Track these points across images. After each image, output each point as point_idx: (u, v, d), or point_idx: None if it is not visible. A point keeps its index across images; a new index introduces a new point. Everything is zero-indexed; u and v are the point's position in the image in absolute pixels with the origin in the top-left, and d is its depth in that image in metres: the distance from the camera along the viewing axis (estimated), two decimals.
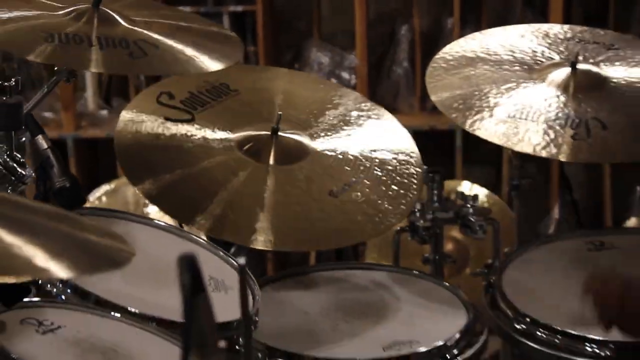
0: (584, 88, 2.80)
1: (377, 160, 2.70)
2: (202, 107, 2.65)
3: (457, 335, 2.55)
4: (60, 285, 2.31)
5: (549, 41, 3.00)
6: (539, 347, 2.56)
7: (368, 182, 2.60)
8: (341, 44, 4.92)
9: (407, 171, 2.69)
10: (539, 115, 2.73)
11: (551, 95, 2.79)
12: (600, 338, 2.49)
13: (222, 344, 1.38)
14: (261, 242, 2.34)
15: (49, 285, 2.34)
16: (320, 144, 2.68)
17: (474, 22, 4.91)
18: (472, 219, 2.94)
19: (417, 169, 2.70)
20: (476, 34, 3.15)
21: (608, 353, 2.50)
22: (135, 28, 2.51)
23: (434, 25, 4.96)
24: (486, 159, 4.74)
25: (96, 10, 2.48)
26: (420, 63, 4.75)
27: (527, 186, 3.23)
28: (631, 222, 4.53)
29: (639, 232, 3.30)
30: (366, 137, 2.76)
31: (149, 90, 2.72)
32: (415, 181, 2.67)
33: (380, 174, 2.65)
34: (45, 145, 2.49)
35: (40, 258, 1.41)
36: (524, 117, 2.72)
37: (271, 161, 2.57)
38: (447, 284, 2.84)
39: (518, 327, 2.60)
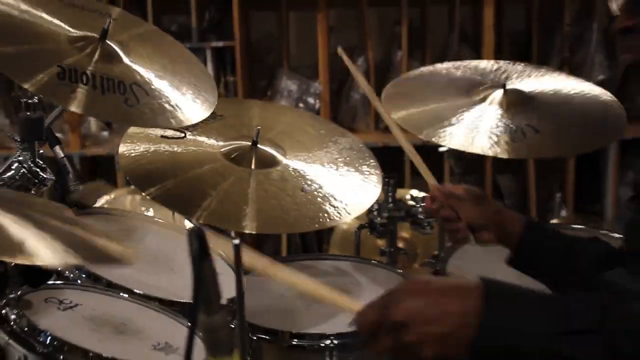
0: (515, 103, 2.83)
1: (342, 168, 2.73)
2: (193, 128, 2.64)
3: None
4: (77, 271, 2.33)
5: (480, 72, 3.03)
6: None
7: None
8: (307, 74, 4.91)
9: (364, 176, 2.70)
10: (484, 126, 2.77)
11: (491, 110, 2.82)
12: None
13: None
14: (249, 227, 2.33)
15: (66, 271, 2.35)
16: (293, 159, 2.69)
17: (419, 55, 4.95)
18: (421, 217, 2.94)
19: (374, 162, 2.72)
20: (422, 69, 3.17)
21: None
22: (134, 67, 2.43)
23: (385, 57, 4.97)
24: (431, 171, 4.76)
25: (101, 42, 2.40)
26: (376, 90, 4.78)
27: None
28: (553, 222, 4.63)
29: (561, 225, 3.30)
30: (332, 152, 2.77)
31: None
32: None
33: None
34: (62, 155, 2.48)
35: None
36: (473, 127, 2.76)
37: (252, 166, 2.59)
38: (400, 271, 2.84)
39: None
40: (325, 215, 2.48)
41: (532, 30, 4.94)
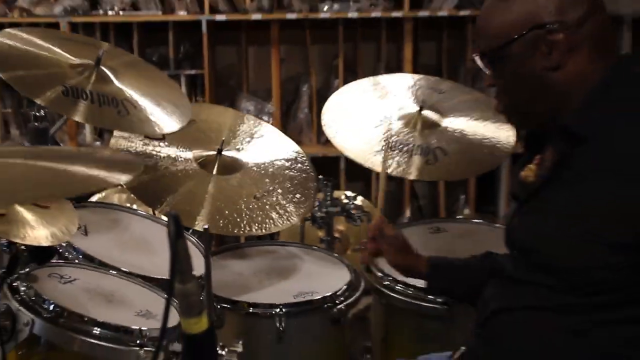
0: (429, 126, 2.80)
1: (287, 175, 2.73)
2: (167, 136, 2.64)
3: (343, 288, 2.58)
4: (74, 252, 2.34)
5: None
6: (397, 297, 2.57)
7: (280, 191, 2.61)
8: (262, 97, 4.89)
9: (307, 184, 2.71)
10: (397, 144, 2.75)
11: (406, 131, 2.79)
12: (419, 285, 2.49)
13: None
14: (198, 225, 2.31)
15: (66, 253, 2.36)
16: (249, 159, 2.68)
17: (354, 79, 4.93)
18: (353, 212, 2.97)
19: (314, 184, 2.71)
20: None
21: (442, 301, 2.51)
22: (123, 88, 2.45)
23: (325, 84, 4.96)
24: (359, 177, 4.77)
25: (96, 68, 2.44)
26: (316, 110, 4.78)
27: (389, 194, 3.26)
28: (458, 217, 4.66)
29: (461, 221, 3.34)
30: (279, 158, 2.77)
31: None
32: (312, 192, 2.69)
33: (289, 185, 2.66)
34: None
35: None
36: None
37: (214, 172, 2.57)
38: (336, 255, 2.87)
39: (385, 282, 2.61)
40: (271, 221, 2.50)
41: (442, 65, 4.96)
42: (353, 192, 3.18)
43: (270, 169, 2.69)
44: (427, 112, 2.85)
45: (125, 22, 4.72)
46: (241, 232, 2.46)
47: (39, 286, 2.03)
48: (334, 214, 3.00)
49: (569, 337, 1.74)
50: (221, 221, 2.40)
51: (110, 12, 4.68)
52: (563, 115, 1.75)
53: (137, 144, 2.57)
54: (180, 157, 2.57)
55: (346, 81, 4.77)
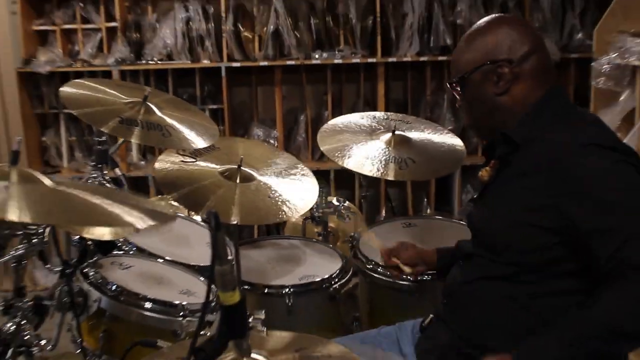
0: (399, 142, 2.83)
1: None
2: (200, 155, 2.66)
3: (337, 271, 2.60)
4: (129, 245, 2.35)
5: (376, 121, 3.03)
6: (378, 277, 2.59)
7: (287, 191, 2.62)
8: (269, 125, 4.89)
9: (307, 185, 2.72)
10: (377, 156, 2.78)
11: (383, 146, 2.82)
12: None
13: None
14: (234, 220, 2.33)
15: (123, 246, 2.36)
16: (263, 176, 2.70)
17: (338, 113, 4.91)
18: (343, 212, 2.97)
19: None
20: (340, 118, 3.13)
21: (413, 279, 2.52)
22: (165, 117, 2.51)
23: (317, 115, 4.96)
24: (347, 186, 4.77)
25: (144, 103, 2.50)
26: (311, 135, 4.79)
27: (368, 198, 3.27)
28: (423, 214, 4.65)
29: (426, 217, 3.34)
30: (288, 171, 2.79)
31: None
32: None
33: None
34: (119, 173, 2.50)
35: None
36: (370, 157, 2.78)
37: (238, 181, 2.60)
38: (331, 245, 2.89)
39: (369, 266, 2.63)
40: (283, 212, 2.51)
41: (407, 99, 4.97)
42: (341, 197, 3.17)
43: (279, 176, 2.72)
44: (398, 133, 2.87)
45: (162, 69, 4.73)
46: (263, 221, 2.47)
47: (104, 272, 2.05)
48: (328, 214, 3.00)
49: (513, 303, 1.76)
50: (248, 216, 2.43)
51: (150, 62, 4.70)
52: (505, 128, 1.80)
53: (177, 159, 2.60)
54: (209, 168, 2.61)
55: (334, 113, 4.83)
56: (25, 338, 1.83)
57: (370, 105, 4.92)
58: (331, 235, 3.13)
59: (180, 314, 2.00)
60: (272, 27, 4.67)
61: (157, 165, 2.61)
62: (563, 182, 1.63)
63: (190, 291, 2.14)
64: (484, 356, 1.68)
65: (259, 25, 4.74)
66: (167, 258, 2.37)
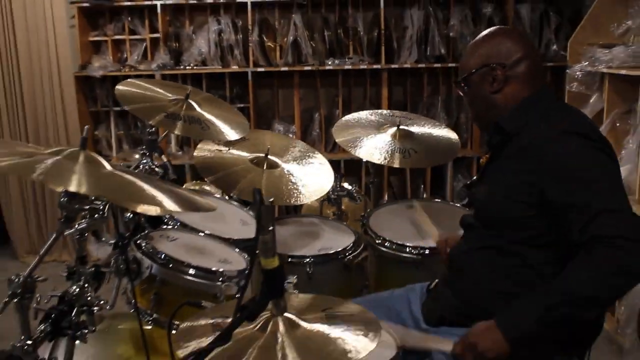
0: (403, 136, 2.82)
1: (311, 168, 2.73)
2: (232, 145, 2.65)
3: (350, 245, 2.59)
4: (174, 221, 2.33)
5: (383, 117, 3.01)
6: (385, 250, 2.58)
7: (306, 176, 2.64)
8: (288, 122, 4.87)
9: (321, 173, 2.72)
10: (384, 146, 2.77)
11: (389, 139, 2.81)
12: (413, 244, 2.54)
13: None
14: (265, 200, 2.32)
15: (170, 222, 2.35)
16: (286, 164, 2.68)
17: (348, 112, 4.92)
18: (354, 195, 2.96)
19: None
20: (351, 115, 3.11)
21: (416, 252, 2.55)
22: (204, 112, 2.47)
23: (329, 114, 4.92)
24: (354, 174, 4.76)
25: (186, 100, 2.47)
26: (325, 130, 4.78)
27: (375, 185, 3.25)
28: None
29: (425, 200, 3.32)
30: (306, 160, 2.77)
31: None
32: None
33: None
34: (165, 160, 2.48)
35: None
36: (379, 148, 2.77)
37: (265, 167, 2.59)
38: (345, 223, 2.87)
39: (377, 241, 2.62)
40: (302, 195, 2.50)
41: (407, 100, 4.94)
42: (350, 183, 3.14)
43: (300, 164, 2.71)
44: (402, 127, 2.86)
45: (197, 73, 4.71)
46: (286, 201, 2.46)
47: (154, 243, 2.03)
48: (342, 196, 2.99)
49: (503, 271, 1.76)
50: (272, 198, 2.39)
51: (187, 67, 4.67)
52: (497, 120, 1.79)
53: (213, 147, 2.59)
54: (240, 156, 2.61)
55: (344, 112, 4.80)
56: (88, 299, 1.81)
57: (375, 105, 4.88)
58: (344, 214, 3.11)
59: (220, 279, 1.98)
60: (291, 37, 4.65)
61: (195, 153, 2.61)
62: (541, 164, 1.63)
63: (227, 260, 2.13)
64: (474, 323, 1.67)
65: (280, 36, 4.72)
66: (206, 232, 2.34)
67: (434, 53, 4.65)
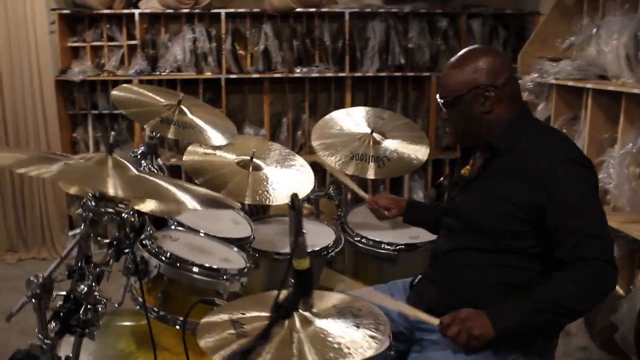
0: (377, 143, 2.79)
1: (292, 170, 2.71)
2: (219, 149, 2.62)
3: (331, 242, 2.60)
4: (176, 223, 2.29)
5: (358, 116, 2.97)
6: (362, 246, 2.57)
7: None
8: (258, 125, 4.83)
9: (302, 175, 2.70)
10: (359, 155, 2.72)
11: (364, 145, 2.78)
12: (388, 241, 2.55)
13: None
14: (247, 200, 2.34)
15: (172, 223, 2.31)
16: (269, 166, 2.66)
17: (314, 117, 4.88)
18: (333, 194, 2.95)
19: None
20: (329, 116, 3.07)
21: (392, 249, 2.57)
22: (194, 117, 2.44)
23: (297, 118, 4.92)
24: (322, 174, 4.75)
25: (178, 106, 2.43)
26: (292, 134, 4.78)
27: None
28: None
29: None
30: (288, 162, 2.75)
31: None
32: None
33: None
34: (161, 162, 2.44)
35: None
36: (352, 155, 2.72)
37: (250, 170, 2.57)
38: (325, 222, 2.87)
39: (356, 238, 2.63)
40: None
41: (368, 105, 4.93)
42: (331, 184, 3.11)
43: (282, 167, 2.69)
44: (375, 134, 2.81)
45: (173, 79, 4.63)
46: (268, 201, 2.44)
47: (159, 243, 1.98)
48: (320, 197, 2.97)
49: (490, 270, 1.79)
50: (257, 196, 2.40)
51: (163, 73, 4.60)
52: (489, 139, 1.80)
53: (202, 150, 2.56)
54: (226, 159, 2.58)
55: (310, 116, 4.81)
56: (96, 297, 1.78)
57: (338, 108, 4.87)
58: (322, 213, 3.10)
59: (224, 277, 1.96)
60: (262, 46, 4.63)
61: (185, 157, 2.57)
62: (545, 187, 1.67)
63: (228, 259, 2.10)
64: (463, 308, 1.71)
65: (251, 45, 4.69)
66: (205, 232, 2.31)
67: (394, 62, 4.70)
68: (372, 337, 1.37)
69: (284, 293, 1.22)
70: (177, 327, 1.91)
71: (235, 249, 2.21)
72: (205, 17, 4.67)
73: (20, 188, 4.52)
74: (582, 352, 3.13)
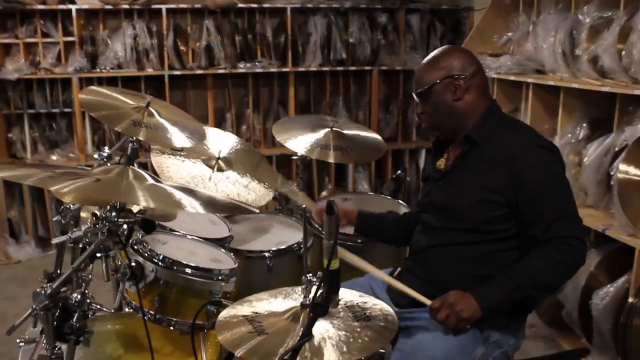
0: (337, 136, 2.80)
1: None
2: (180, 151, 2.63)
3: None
4: (165, 228, 2.29)
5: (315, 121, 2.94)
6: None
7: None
8: (201, 121, 4.44)
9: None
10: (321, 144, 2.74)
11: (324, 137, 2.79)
12: (353, 232, 2.48)
13: None
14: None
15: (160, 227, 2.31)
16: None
17: (257, 113, 4.94)
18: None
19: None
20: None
21: (359, 240, 2.62)
22: (162, 120, 2.39)
23: (240, 114, 4.91)
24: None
25: (147, 108, 2.42)
26: (236, 128, 4.82)
27: (304, 180, 3.19)
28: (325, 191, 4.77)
29: (358, 194, 3.43)
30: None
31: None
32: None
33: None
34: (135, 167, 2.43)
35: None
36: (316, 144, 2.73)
37: (214, 170, 2.60)
38: (294, 218, 2.92)
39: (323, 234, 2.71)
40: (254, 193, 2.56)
41: (310, 99, 5.03)
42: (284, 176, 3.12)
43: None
44: (336, 128, 2.85)
45: (114, 76, 4.57)
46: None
47: (151, 246, 2.00)
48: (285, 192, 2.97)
49: (469, 259, 1.92)
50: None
51: (104, 70, 4.53)
52: (462, 131, 1.95)
53: (167, 154, 2.58)
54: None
55: (253, 111, 4.85)
56: (90, 304, 1.80)
57: (282, 104, 4.98)
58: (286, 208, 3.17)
59: (218, 277, 1.99)
60: (204, 42, 4.63)
61: (152, 157, 2.58)
62: (518, 171, 1.82)
63: (218, 259, 2.13)
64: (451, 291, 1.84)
65: (193, 41, 4.69)
66: (193, 235, 2.31)
67: (336, 57, 4.81)
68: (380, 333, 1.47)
69: (315, 292, 1.30)
70: (171, 328, 1.95)
71: (223, 250, 2.25)
72: (144, 13, 4.63)
73: None
74: (530, 330, 3.36)
